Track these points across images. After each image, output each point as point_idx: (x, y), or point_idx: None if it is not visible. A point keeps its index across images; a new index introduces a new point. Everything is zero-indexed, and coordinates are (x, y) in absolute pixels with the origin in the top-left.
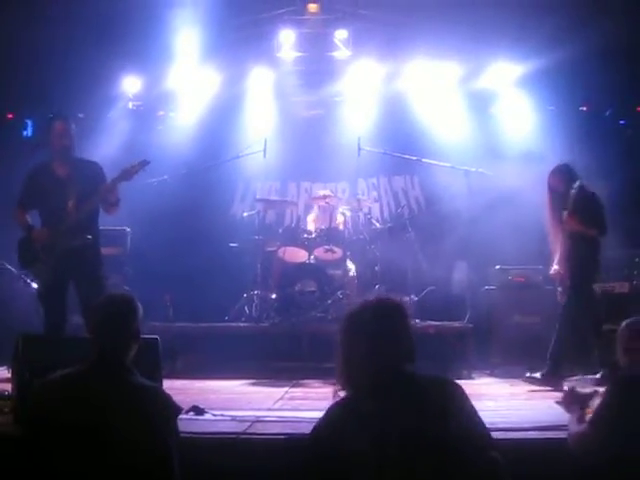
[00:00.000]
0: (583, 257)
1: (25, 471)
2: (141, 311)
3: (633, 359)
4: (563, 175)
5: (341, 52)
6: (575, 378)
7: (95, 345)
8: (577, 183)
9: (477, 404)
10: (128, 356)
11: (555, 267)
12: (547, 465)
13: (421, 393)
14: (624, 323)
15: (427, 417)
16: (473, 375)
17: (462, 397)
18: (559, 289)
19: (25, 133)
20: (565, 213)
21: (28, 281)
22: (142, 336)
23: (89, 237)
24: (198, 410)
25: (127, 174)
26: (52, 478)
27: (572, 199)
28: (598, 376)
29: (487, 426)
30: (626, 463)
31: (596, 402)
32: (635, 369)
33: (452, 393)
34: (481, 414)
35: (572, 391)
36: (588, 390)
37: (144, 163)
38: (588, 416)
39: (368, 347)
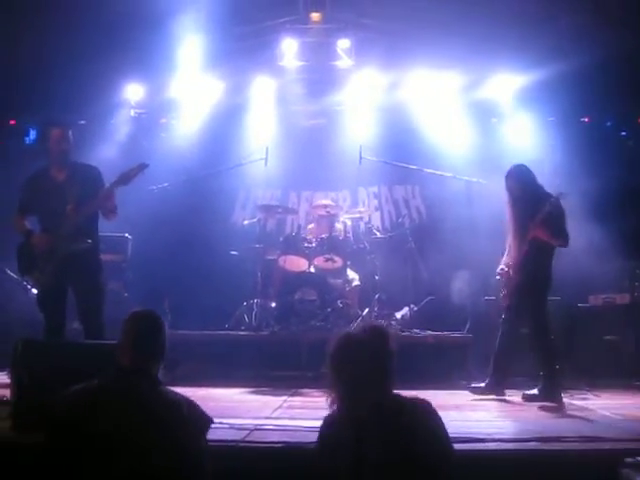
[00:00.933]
0: (539, 265)
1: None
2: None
3: None
4: (520, 177)
5: (343, 61)
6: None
7: (126, 358)
8: (555, 195)
9: (472, 415)
10: (157, 369)
11: (503, 267)
12: (547, 476)
13: (395, 416)
14: None
15: (399, 438)
16: (472, 385)
17: (430, 415)
18: (503, 291)
19: (27, 140)
20: (537, 219)
21: (28, 287)
22: None
23: (89, 241)
24: None
25: (125, 178)
26: None
27: (548, 209)
28: (535, 391)
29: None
30: None
31: None
32: None
33: (422, 414)
34: (476, 425)
35: None
36: None
37: (142, 166)
38: None
39: (350, 379)
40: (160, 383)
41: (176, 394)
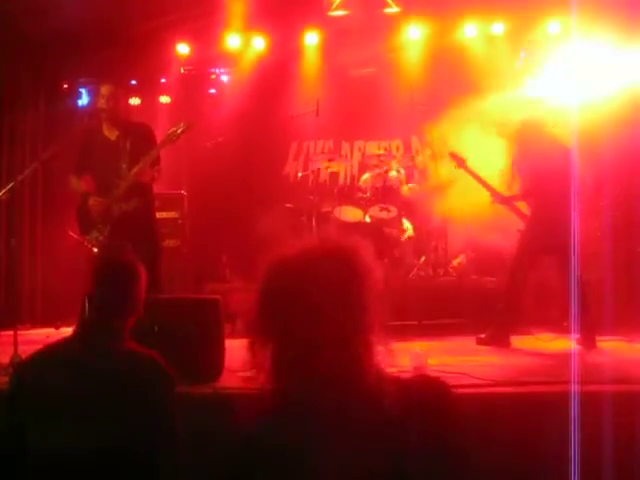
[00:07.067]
0: None
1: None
2: (143, 279)
3: None
4: None
5: (391, 8)
6: None
7: (92, 309)
8: None
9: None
10: (124, 323)
11: None
12: None
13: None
14: None
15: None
16: (532, 330)
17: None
18: None
19: (80, 102)
20: None
21: (89, 247)
22: (202, 297)
23: (142, 200)
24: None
25: (172, 137)
26: (41, 454)
27: None
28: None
29: None
30: None
31: None
32: None
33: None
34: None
35: None
36: None
37: (189, 125)
38: None
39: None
40: (124, 341)
41: (140, 353)
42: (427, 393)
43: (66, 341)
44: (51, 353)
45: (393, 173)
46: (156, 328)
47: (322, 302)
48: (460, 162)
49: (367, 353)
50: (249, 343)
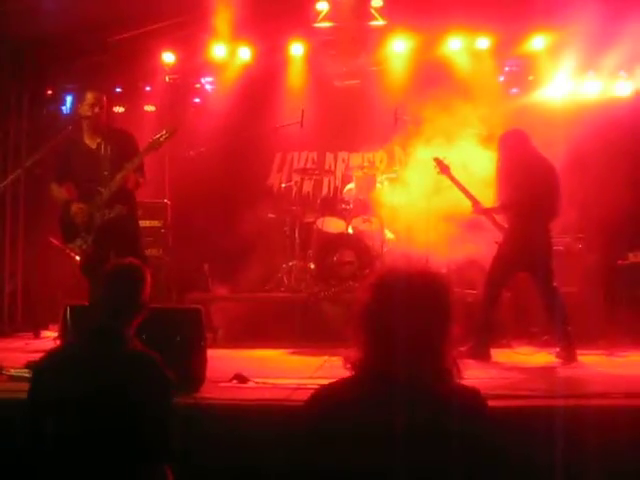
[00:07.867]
0: None
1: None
2: (148, 282)
3: None
4: None
5: (377, 21)
6: None
7: (98, 316)
8: None
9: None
10: (129, 326)
11: None
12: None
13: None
14: None
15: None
16: (512, 344)
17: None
18: None
19: (64, 108)
20: None
21: (72, 255)
22: (186, 307)
23: (125, 207)
24: (241, 378)
25: (155, 144)
26: (52, 452)
27: None
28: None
29: None
30: None
31: None
32: None
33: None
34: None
35: None
36: None
37: (172, 131)
38: None
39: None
40: (129, 343)
41: (144, 355)
42: (475, 402)
43: (76, 342)
44: (64, 355)
45: (377, 185)
46: (144, 336)
47: (418, 313)
48: (443, 168)
49: (442, 359)
50: (352, 329)
